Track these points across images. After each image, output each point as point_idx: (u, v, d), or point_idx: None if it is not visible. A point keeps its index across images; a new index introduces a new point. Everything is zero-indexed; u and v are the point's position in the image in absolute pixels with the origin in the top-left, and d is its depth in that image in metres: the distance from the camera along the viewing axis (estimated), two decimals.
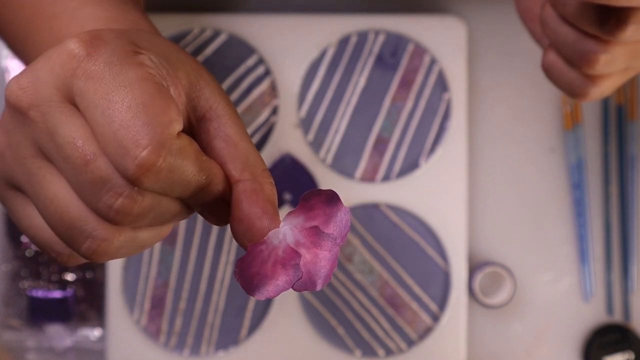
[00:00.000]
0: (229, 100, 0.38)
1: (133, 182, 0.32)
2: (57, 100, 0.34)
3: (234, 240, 0.69)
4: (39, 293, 0.69)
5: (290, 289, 0.35)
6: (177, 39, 0.69)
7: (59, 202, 0.34)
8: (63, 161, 0.33)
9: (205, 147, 0.37)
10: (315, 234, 0.35)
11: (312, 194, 0.35)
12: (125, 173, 0.32)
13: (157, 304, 0.68)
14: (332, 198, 0.35)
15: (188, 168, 0.34)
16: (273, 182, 0.37)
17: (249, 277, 0.34)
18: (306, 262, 0.35)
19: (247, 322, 0.68)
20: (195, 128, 0.37)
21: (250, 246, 0.34)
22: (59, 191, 0.35)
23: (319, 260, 0.35)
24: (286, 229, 0.35)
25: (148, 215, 0.34)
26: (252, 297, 0.68)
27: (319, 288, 0.35)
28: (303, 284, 0.35)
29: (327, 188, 0.35)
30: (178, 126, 0.33)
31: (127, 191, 0.33)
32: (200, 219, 0.68)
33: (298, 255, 0.34)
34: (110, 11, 0.44)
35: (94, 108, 0.33)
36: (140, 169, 0.32)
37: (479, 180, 0.71)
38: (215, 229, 0.68)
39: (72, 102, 0.34)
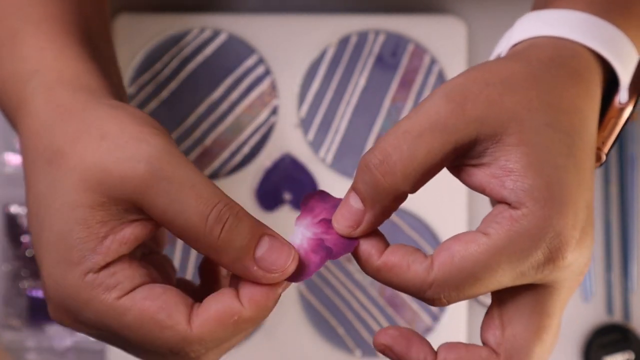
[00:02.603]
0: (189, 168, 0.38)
1: None
2: None
3: None
4: (39, 293, 0.69)
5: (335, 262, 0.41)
6: (177, 39, 0.69)
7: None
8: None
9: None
10: (326, 222, 0.39)
11: (307, 197, 0.39)
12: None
13: None
14: (323, 195, 0.39)
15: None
16: (237, 210, 0.37)
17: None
18: (330, 240, 0.38)
19: None
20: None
21: None
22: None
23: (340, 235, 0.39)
24: (301, 230, 0.39)
25: None
26: None
27: (352, 249, 0.38)
28: (340, 251, 0.38)
29: (317, 190, 0.40)
30: None
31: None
32: None
33: (321, 239, 0.39)
34: (72, 67, 0.44)
35: None
36: None
37: None
38: None
39: None
